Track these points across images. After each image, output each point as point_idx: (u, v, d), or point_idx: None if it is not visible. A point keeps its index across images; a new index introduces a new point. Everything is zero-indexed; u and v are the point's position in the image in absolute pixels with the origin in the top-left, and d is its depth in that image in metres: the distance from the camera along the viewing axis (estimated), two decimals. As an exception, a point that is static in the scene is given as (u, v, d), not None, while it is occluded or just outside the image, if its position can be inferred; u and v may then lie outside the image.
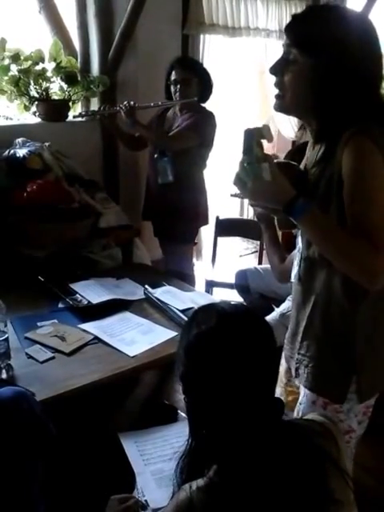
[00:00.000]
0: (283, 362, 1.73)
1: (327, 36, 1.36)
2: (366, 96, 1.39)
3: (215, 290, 3.65)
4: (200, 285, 3.63)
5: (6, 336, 1.96)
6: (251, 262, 4.39)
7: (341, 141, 1.35)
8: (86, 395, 1.95)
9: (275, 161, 1.46)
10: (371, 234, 1.30)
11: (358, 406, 1.54)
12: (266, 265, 3.41)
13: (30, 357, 2.07)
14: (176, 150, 3.14)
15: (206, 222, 3.54)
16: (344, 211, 1.35)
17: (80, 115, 3.12)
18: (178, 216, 3.29)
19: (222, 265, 3.84)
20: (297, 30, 1.42)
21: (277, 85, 1.47)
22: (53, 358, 2.07)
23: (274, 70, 1.46)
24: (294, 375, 1.62)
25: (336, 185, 1.36)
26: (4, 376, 1.94)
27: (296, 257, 1.61)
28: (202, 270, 3.93)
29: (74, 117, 3.10)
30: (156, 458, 1.80)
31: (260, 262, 3.74)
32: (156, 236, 3.55)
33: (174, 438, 1.89)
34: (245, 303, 3.19)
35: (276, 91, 1.48)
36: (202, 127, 3.18)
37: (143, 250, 3.35)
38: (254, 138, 1.36)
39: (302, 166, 1.60)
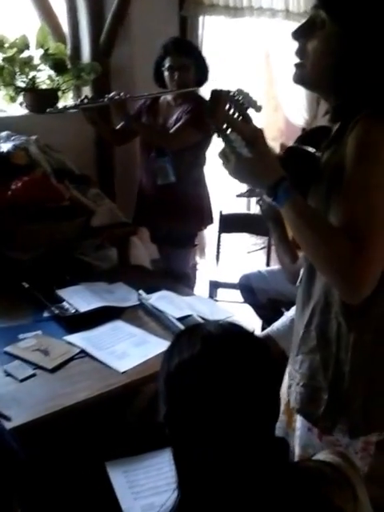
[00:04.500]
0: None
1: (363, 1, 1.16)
2: None
3: (220, 291, 3.42)
4: (204, 286, 3.39)
5: (-20, 353, 1.75)
6: (260, 259, 4.13)
7: (352, 122, 1.16)
8: (70, 418, 1.73)
9: (289, 145, 1.32)
10: (362, 234, 1.09)
11: (358, 442, 1.31)
12: (272, 267, 3.19)
13: (8, 374, 1.86)
14: (178, 148, 2.87)
15: (210, 221, 3.26)
16: None
17: (58, 111, 2.80)
18: (180, 219, 3.01)
19: (228, 263, 3.59)
20: None
21: (298, 53, 1.25)
22: (34, 375, 1.87)
23: (298, 34, 1.25)
24: (287, 393, 1.42)
25: (341, 173, 1.17)
26: (-22, 397, 1.72)
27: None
28: (205, 269, 3.68)
29: (50, 112, 2.78)
30: (147, 490, 1.57)
31: (268, 259, 3.50)
32: (153, 242, 3.28)
33: (169, 465, 1.64)
34: (251, 307, 2.96)
35: (296, 61, 1.27)
36: (204, 120, 2.79)
37: (141, 249, 3.13)
38: (219, 100, 1.19)
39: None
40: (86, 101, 2.83)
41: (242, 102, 1.20)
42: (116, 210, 2.96)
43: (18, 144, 2.86)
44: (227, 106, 1.21)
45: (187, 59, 2.87)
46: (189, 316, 2.15)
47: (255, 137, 1.21)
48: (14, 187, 2.69)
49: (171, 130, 2.88)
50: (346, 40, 1.17)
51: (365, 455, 1.35)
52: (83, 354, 1.98)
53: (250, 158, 1.18)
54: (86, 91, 3.45)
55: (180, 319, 2.12)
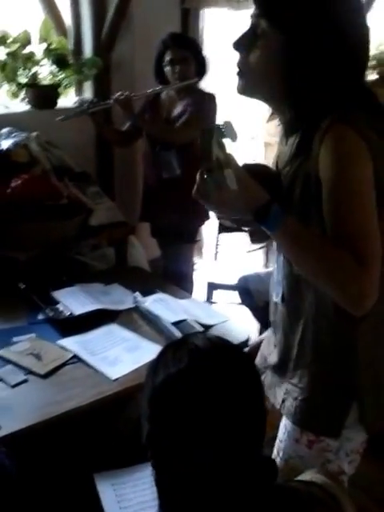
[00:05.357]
0: None
1: (303, 3, 1.12)
2: (349, 77, 1.17)
3: (217, 293, 3.38)
4: (201, 287, 3.37)
5: (-29, 359, 1.74)
6: (260, 259, 4.10)
7: (318, 131, 1.13)
8: (60, 426, 1.72)
9: (243, 163, 1.24)
10: (356, 246, 1.09)
11: (350, 444, 1.32)
12: (270, 268, 3.15)
13: (0, 380, 1.84)
14: (185, 141, 2.86)
15: (208, 216, 3.23)
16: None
17: (67, 117, 2.82)
18: (184, 213, 2.98)
19: (226, 263, 3.55)
20: None
21: (239, 64, 1.21)
22: (26, 381, 1.85)
23: (238, 45, 1.20)
24: (278, 406, 1.39)
25: (314, 185, 1.15)
26: (-32, 404, 1.72)
27: (275, 273, 1.40)
28: (203, 270, 3.65)
29: (61, 120, 2.81)
30: (135, 505, 1.56)
31: (267, 259, 3.46)
32: (154, 237, 3.27)
33: (157, 480, 1.64)
34: (249, 309, 2.94)
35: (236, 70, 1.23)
36: (208, 113, 2.91)
37: (140, 249, 3.10)
38: (213, 138, 1.11)
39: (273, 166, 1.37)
40: (91, 106, 2.85)
41: (224, 132, 1.15)
42: (115, 209, 2.94)
43: (19, 141, 2.84)
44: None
45: (187, 52, 2.89)
46: (184, 320, 2.12)
47: (234, 166, 1.15)
48: (14, 185, 2.68)
49: (177, 124, 2.88)
50: (289, 48, 1.13)
51: (355, 457, 1.36)
52: (76, 359, 1.96)
53: (234, 189, 1.12)
54: (88, 86, 3.42)
55: (175, 324, 2.10)
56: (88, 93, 3.43)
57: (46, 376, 1.87)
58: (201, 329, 2.07)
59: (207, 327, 2.12)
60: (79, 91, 3.48)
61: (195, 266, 3.40)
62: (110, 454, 1.71)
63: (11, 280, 2.41)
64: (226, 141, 1.14)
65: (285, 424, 1.38)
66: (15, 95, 3.19)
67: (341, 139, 1.10)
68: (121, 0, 3.18)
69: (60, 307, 2.24)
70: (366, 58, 1.21)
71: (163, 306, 2.23)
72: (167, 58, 2.87)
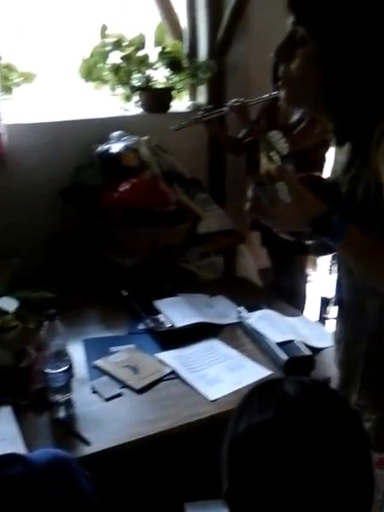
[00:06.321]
0: None
1: (341, 6, 1.05)
2: None
3: (332, 309, 3.15)
4: (315, 302, 3.16)
5: (67, 367, 1.68)
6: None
7: (373, 137, 1.07)
8: (151, 448, 1.61)
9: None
10: None
11: None
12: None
13: (94, 391, 1.78)
14: (302, 148, 2.68)
15: None
16: None
17: (181, 127, 2.79)
18: None
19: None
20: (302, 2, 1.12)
21: (282, 74, 1.19)
22: (120, 394, 1.77)
23: (279, 54, 1.18)
24: None
25: (375, 193, 1.10)
26: (61, 414, 1.67)
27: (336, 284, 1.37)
28: (317, 283, 3.44)
29: (175, 130, 2.78)
30: (227, 544, 1.41)
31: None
32: (265, 246, 3.13)
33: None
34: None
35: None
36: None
37: (249, 258, 2.96)
38: (260, 150, 1.12)
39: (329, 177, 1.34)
40: (206, 114, 2.83)
41: (273, 144, 1.14)
42: (224, 217, 2.82)
43: (129, 145, 2.79)
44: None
45: None
46: (290, 341, 1.94)
47: (287, 178, 1.13)
48: (122, 189, 2.64)
49: (295, 131, 2.75)
50: (326, 56, 1.09)
51: None
52: (173, 375, 1.85)
53: (288, 202, 1.10)
54: (201, 90, 3.32)
55: (280, 344, 1.92)
56: (202, 97, 3.33)
57: (141, 391, 1.79)
58: (308, 352, 1.88)
59: (316, 350, 1.93)
60: (193, 95, 3.39)
61: (308, 279, 3.19)
62: (204, 482, 1.56)
63: (115, 286, 2.36)
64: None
65: None
66: (128, 98, 3.17)
67: None
68: (237, 2, 3.05)
69: (161, 318, 2.15)
70: None
71: (269, 324, 2.06)
72: None
